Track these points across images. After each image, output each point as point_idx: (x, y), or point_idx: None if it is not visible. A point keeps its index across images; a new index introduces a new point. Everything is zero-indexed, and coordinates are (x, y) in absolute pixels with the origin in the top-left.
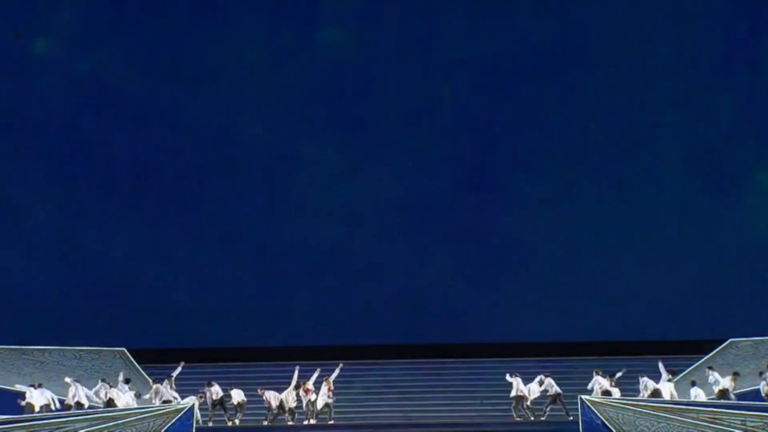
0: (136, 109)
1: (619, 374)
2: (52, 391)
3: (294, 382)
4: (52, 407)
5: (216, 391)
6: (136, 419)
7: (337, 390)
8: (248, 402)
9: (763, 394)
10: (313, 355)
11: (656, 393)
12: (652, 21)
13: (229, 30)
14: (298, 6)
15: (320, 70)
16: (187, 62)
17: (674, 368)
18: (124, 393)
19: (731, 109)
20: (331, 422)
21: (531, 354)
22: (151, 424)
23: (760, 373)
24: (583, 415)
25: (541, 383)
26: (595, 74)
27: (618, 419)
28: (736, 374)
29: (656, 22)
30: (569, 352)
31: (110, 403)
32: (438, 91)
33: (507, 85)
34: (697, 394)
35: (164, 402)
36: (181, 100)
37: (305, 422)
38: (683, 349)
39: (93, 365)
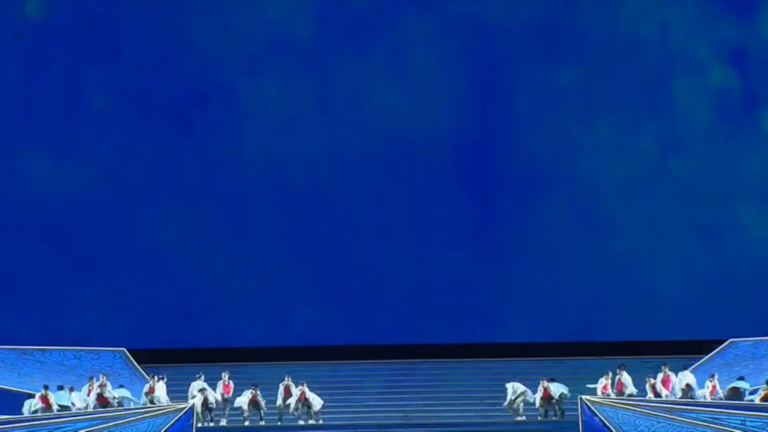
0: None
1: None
2: (50, 391)
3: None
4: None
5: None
6: (136, 419)
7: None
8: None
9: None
10: (314, 355)
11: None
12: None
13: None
14: None
15: (317, 71)
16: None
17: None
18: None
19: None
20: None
21: (531, 354)
22: (151, 424)
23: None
24: (583, 415)
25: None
26: (596, 75)
27: (618, 419)
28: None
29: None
30: (569, 352)
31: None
32: (440, 88)
33: (509, 80)
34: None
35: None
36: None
37: (310, 421)
38: (683, 349)
39: (93, 365)
